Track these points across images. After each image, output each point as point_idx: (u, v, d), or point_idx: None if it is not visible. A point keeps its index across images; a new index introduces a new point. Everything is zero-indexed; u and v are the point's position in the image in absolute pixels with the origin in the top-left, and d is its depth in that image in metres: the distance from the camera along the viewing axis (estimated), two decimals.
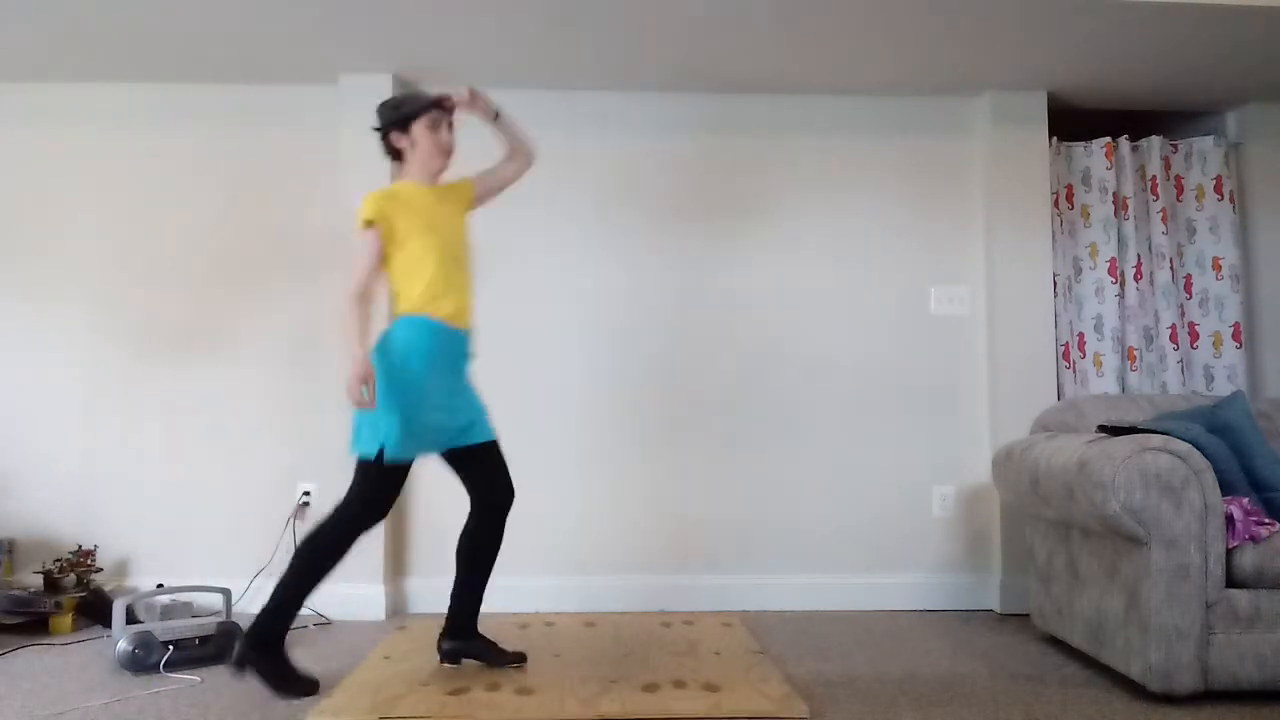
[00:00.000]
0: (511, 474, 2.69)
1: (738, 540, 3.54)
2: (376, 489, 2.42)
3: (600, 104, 3.62)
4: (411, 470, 2.56)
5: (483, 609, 3.40)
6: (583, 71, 3.44)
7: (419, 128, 2.57)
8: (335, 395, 3.40)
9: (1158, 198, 3.61)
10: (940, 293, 3.64)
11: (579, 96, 3.62)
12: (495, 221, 3.56)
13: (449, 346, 2.51)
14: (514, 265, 3.58)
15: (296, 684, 2.39)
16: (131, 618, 2.90)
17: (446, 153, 2.61)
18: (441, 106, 2.59)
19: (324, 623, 3.27)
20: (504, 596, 3.43)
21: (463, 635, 2.61)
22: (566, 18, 3.02)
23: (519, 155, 2.74)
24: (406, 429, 2.39)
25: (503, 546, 3.43)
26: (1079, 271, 3.65)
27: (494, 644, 2.62)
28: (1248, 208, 3.73)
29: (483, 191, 2.73)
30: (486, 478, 2.57)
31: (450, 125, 2.63)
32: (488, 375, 3.44)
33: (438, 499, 3.50)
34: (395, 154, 2.62)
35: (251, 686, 2.48)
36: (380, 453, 2.37)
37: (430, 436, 2.45)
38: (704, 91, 3.64)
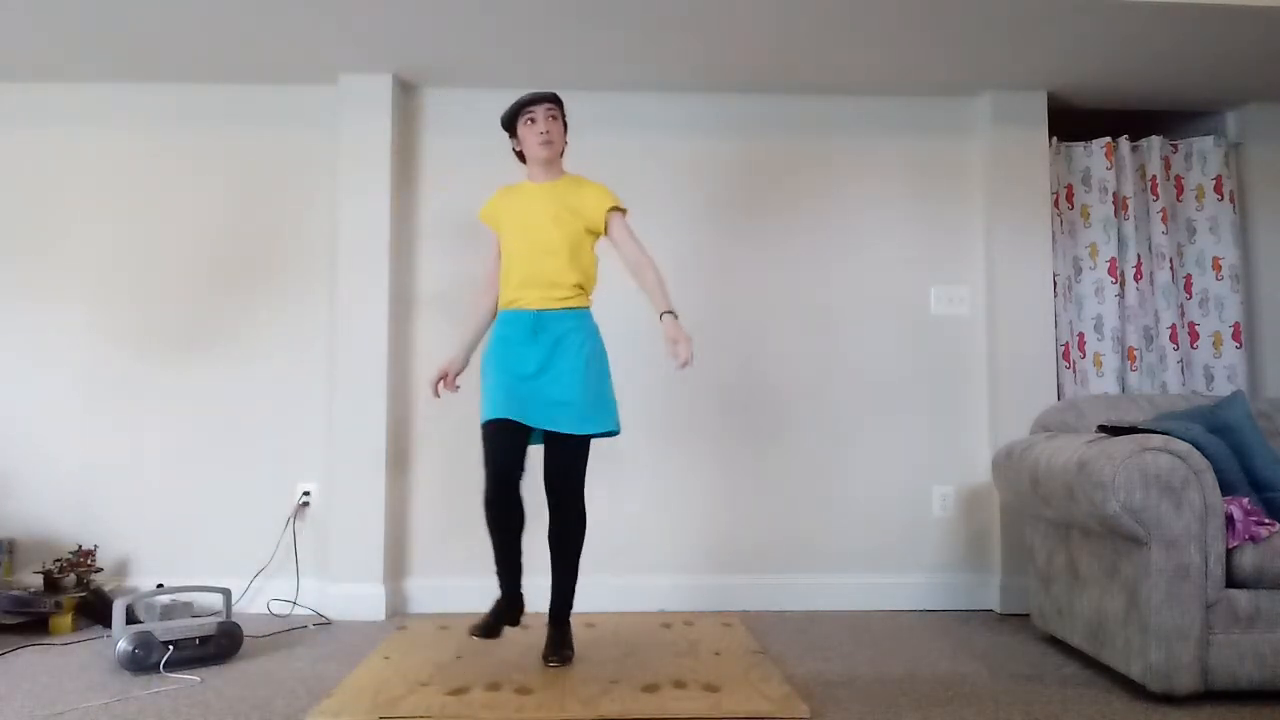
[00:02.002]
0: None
1: (738, 540, 3.54)
2: (484, 450, 2.60)
3: (600, 104, 3.62)
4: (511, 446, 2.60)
5: (483, 609, 3.39)
6: (582, 72, 3.45)
7: (520, 127, 2.73)
8: (335, 395, 3.40)
9: (1158, 198, 3.61)
10: (940, 293, 3.64)
11: (579, 97, 3.61)
12: None
13: (506, 328, 2.67)
14: None
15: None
16: (131, 618, 2.89)
17: (543, 144, 2.69)
18: (533, 102, 2.69)
19: (324, 623, 3.27)
20: None
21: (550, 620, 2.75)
22: (565, 18, 3.02)
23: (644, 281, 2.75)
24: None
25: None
26: (1079, 271, 3.65)
27: (561, 638, 2.71)
28: (1248, 208, 3.73)
29: (611, 240, 2.75)
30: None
31: (548, 117, 2.70)
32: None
33: (438, 499, 3.50)
34: (519, 156, 2.79)
35: (251, 686, 2.48)
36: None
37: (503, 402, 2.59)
38: (703, 92, 3.64)
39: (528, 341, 2.62)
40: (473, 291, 2.73)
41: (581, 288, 2.70)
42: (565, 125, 2.78)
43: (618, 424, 2.67)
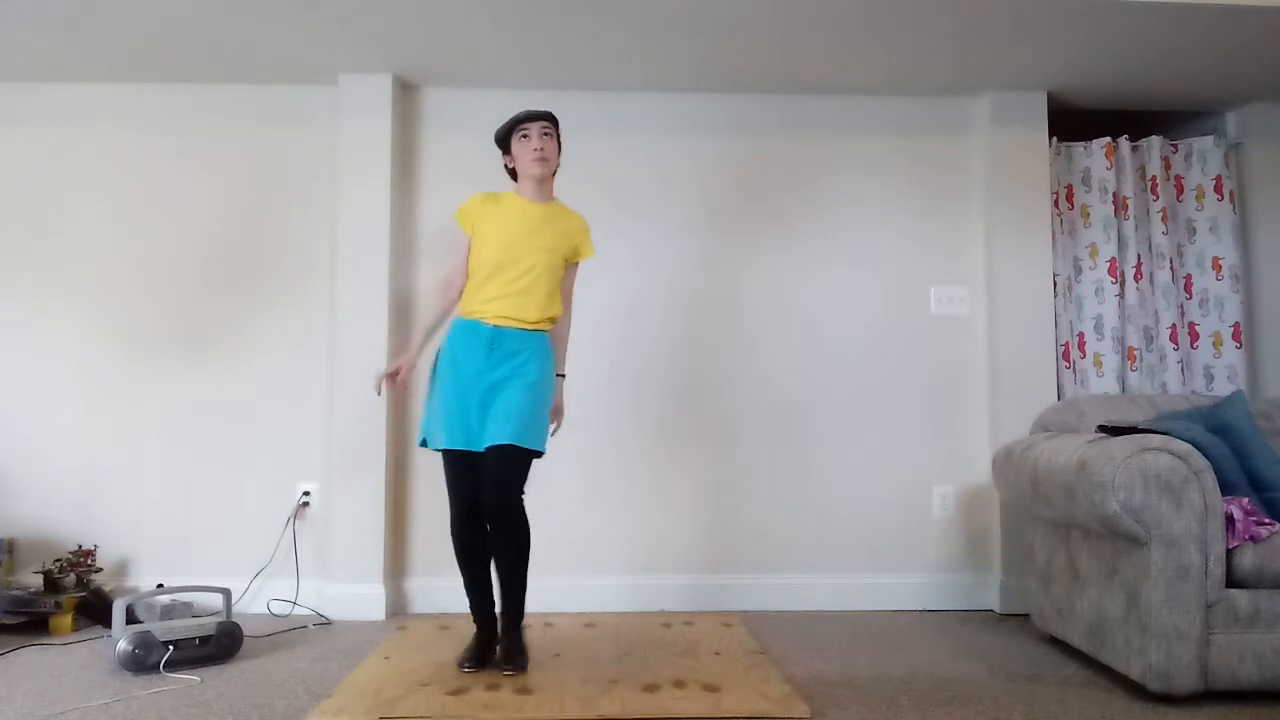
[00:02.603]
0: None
1: (738, 540, 3.54)
2: (446, 478, 2.64)
3: (599, 104, 3.62)
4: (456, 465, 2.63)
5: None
6: (582, 72, 3.44)
7: (514, 143, 2.72)
8: (335, 395, 3.40)
9: (1158, 198, 3.61)
10: (940, 293, 3.64)
11: (578, 97, 3.61)
12: None
13: (464, 338, 2.65)
14: None
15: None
16: (131, 618, 2.90)
17: (536, 161, 2.68)
18: (528, 119, 2.69)
19: (324, 623, 3.27)
20: None
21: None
22: (565, 19, 3.02)
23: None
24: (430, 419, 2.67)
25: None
26: (1079, 271, 3.65)
27: (512, 645, 2.66)
28: (1248, 208, 3.73)
29: (565, 273, 2.79)
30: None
31: (542, 134, 2.69)
32: None
33: (437, 500, 3.49)
34: (511, 174, 2.79)
35: (251, 686, 2.49)
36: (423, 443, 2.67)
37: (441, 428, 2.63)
38: (702, 92, 3.64)
39: (481, 357, 2.60)
40: (434, 287, 2.70)
41: (549, 316, 2.69)
42: (559, 145, 2.76)
43: (543, 446, 2.61)
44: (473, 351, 2.61)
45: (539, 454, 2.60)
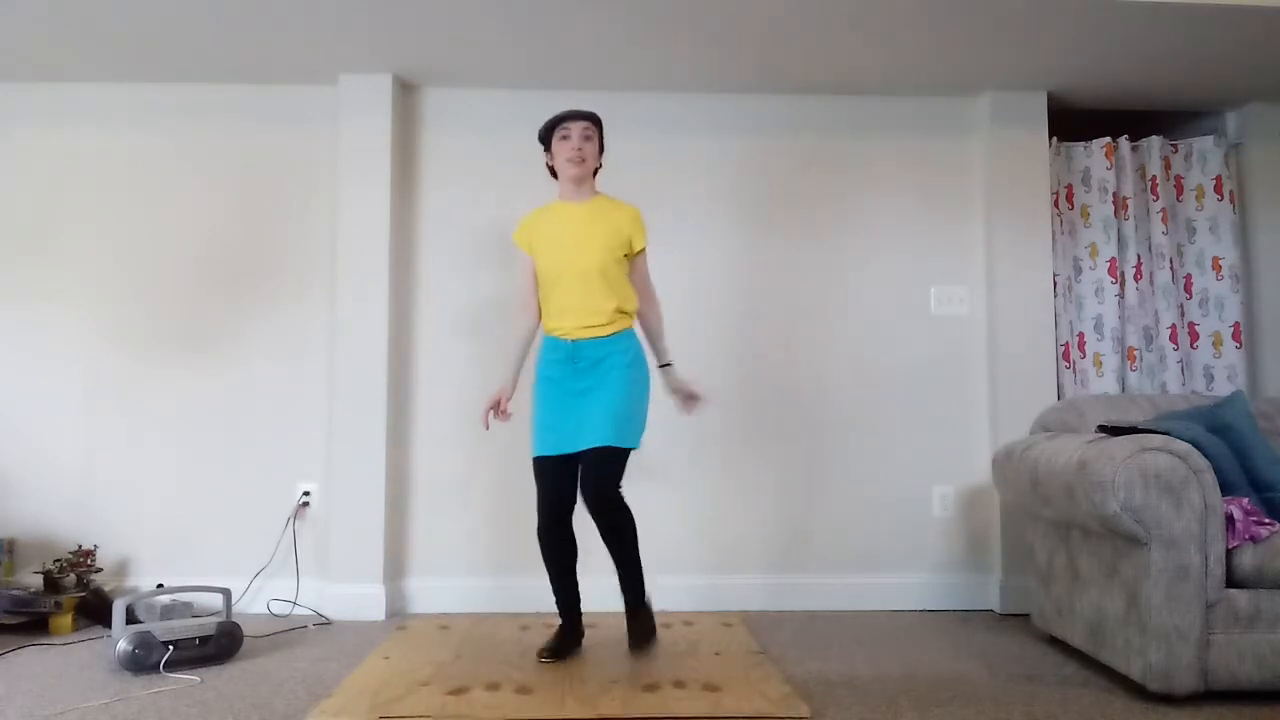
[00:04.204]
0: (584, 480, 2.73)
1: (738, 540, 3.54)
2: (536, 485, 2.71)
3: (600, 104, 3.60)
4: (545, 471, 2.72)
5: (483, 609, 3.42)
6: (582, 72, 3.44)
7: (555, 141, 2.74)
8: (335, 395, 3.40)
9: (1158, 198, 3.61)
10: (940, 293, 3.64)
11: (579, 97, 3.61)
12: None
13: (549, 355, 2.74)
14: None
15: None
16: (131, 618, 2.90)
17: (572, 161, 2.69)
18: (570, 119, 2.71)
19: (324, 623, 3.27)
20: (504, 597, 3.43)
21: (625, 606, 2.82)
22: (565, 19, 3.02)
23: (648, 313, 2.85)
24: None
25: (511, 547, 3.46)
26: (1079, 271, 3.65)
27: (643, 626, 2.78)
28: (1248, 208, 3.73)
29: (631, 265, 2.79)
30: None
31: (583, 135, 2.70)
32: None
33: (438, 499, 3.50)
34: (551, 171, 2.81)
35: (251, 686, 2.48)
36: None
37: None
38: (703, 92, 3.64)
39: (566, 371, 2.69)
40: (514, 312, 2.87)
41: (621, 310, 2.71)
42: (601, 146, 2.78)
43: (638, 441, 2.70)
44: (557, 367, 2.70)
45: (634, 449, 2.68)
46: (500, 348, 3.52)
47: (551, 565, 2.73)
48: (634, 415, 2.67)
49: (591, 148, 2.73)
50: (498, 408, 2.77)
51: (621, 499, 2.65)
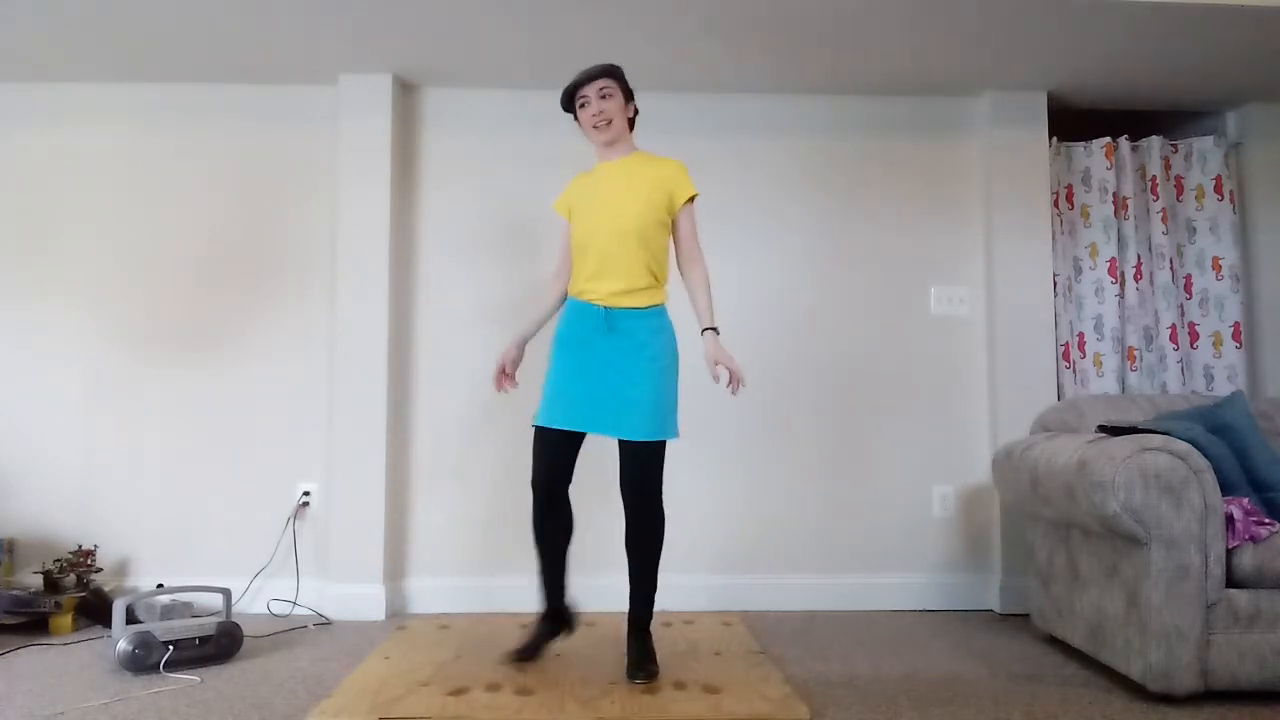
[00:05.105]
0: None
1: (738, 540, 3.54)
2: (533, 455, 2.57)
3: None
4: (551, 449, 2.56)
5: (484, 609, 3.42)
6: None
7: (578, 112, 2.61)
8: (335, 395, 3.40)
9: (1158, 198, 3.61)
10: (940, 293, 3.64)
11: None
12: None
13: (576, 320, 2.57)
14: None
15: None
16: (131, 618, 2.90)
17: (598, 127, 2.56)
18: (582, 83, 2.57)
19: (324, 623, 3.27)
20: (504, 596, 3.43)
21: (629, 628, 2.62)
22: (565, 18, 3.02)
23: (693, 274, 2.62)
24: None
25: (512, 547, 3.45)
26: (1079, 271, 3.65)
27: (641, 652, 2.55)
28: (1248, 208, 3.73)
29: (676, 223, 2.60)
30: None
31: (600, 97, 2.56)
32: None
33: (438, 499, 3.50)
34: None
35: (251, 686, 2.48)
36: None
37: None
38: (703, 92, 3.64)
39: (599, 338, 2.51)
40: (547, 280, 2.70)
41: (656, 277, 2.55)
42: (628, 95, 2.60)
43: (677, 430, 2.57)
44: (586, 332, 2.53)
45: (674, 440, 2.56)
46: (501, 348, 3.53)
47: (544, 545, 2.58)
48: (674, 404, 2.54)
49: (613, 104, 2.55)
50: (504, 374, 2.68)
51: (662, 507, 2.56)
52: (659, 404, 2.48)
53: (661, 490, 2.56)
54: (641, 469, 2.51)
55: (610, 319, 2.52)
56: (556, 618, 2.66)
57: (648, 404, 2.47)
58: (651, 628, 2.60)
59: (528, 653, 2.61)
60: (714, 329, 2.54)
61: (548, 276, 2.76)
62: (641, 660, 2.51)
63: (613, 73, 2.58)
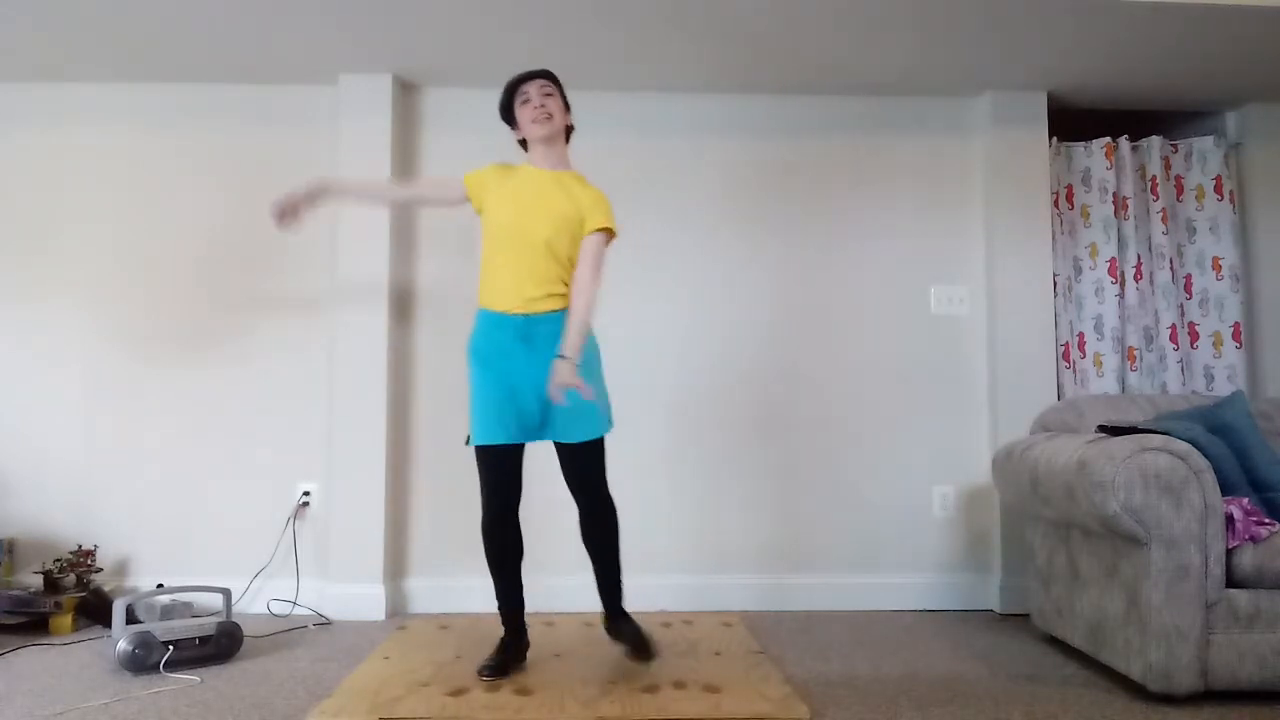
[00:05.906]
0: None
1: (738, 540, 3.54)
2: (481, 476, 2.55)
3: (600, 104, 3.61)
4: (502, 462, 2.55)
5: (484, 609, 3.41)
6: (582, 72, 3.44)
7: (517, 110, 2.60)
8: (335, 395, 3.40)
9: (1158, 198, 3.61)
10: (940, 293, 3.64)
11: (578, 97, 3.60)
12: None
13: (493, 333, 2.52)
14: None
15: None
16: (131, 618, 2.90)
17: (539, 120, 2.53)
18: (524, 80, 2.58)
19: (324, 623, 3.27)
20: None
21: (609, 616, 2.65)
22: (564, 19, 3.02)
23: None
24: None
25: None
26: (1079, 271, 3.65)
27: (637, 631, 2.55)
28: (1248, 208, 3.73)
29: (581, 251, 2.54)
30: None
31: (542, 94, 2.55)
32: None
33: (438, 499, 3.50)
34: (522, 145, 2.66)
35: (251, 686, 2.48)
36: (468, 439, 2.54)
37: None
38: (703, 92, 3.64)
39: (518, 347, 2.49)
40: (398, 180, 2.65)
41: (567, 284, 2.54)
42: (566, 104, 2.62)
43: (612, 421, 2.60)
44: (505, 343, 2.50)
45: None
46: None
47: (502, 564, 2.56)
48: (605, 396, 2.56)
49: (555, 103, 2.55)
50: (293, 207, 2.56)
51: (609, 495, 2.58)
52: (591, 402, 2.46)
53: (607, 480, 2.58)
54: (588, 467, 2.54)
55: (528, 326, 2.50)
56: (521, 635, 2.63)
57: (582, 405, 2.46)
58: (650, 628, 2.61)
59: (499, 672, 2.52)
60: (567, 358, 2.41)
61: (406, 180, 2.76)
62: (640, 640, 2.52)
63: (554, 76, 2.62)
